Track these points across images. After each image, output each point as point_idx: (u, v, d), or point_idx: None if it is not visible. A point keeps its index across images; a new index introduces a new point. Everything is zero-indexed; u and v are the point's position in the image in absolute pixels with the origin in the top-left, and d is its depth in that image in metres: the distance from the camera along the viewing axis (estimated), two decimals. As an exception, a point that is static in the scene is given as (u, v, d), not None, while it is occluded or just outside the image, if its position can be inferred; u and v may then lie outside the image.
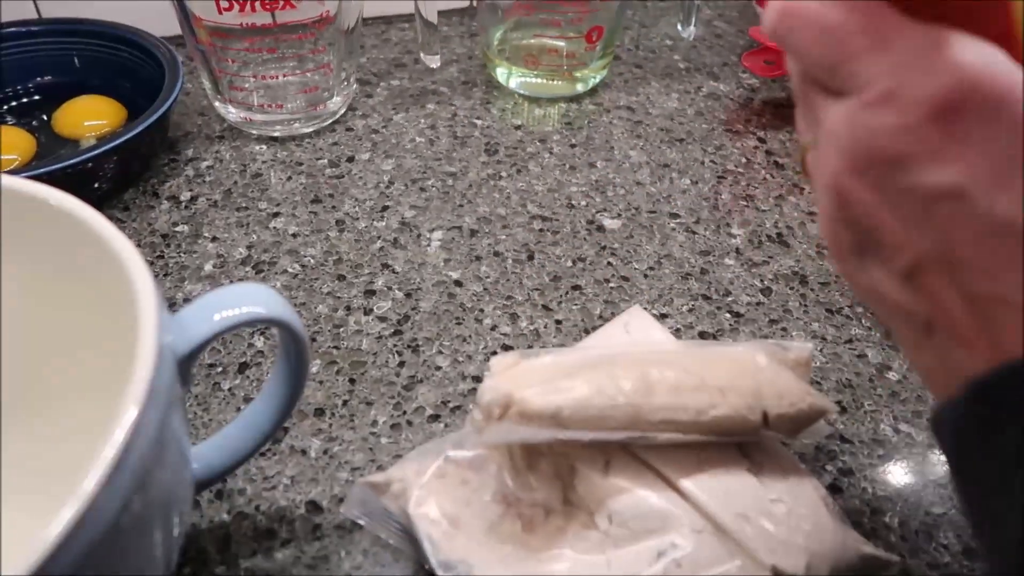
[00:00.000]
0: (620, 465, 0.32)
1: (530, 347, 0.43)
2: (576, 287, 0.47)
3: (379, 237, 0.50)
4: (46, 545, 0.19)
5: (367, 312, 0.45)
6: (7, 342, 0.32)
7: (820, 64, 0.21)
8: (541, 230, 0.51)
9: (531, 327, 0.44)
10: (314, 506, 0.36)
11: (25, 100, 0.57)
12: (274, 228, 0.50)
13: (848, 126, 0.21)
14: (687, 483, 0.32)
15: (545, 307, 0.45)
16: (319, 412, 0.39)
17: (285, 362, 0.30)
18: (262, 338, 0.43)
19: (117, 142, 0.47)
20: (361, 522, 0.34)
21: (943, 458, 0.39)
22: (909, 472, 0.38)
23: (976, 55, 0.19)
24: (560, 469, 0.33)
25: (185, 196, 0.52)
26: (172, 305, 0.44)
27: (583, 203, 0.53)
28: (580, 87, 0.63)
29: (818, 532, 0.31)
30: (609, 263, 0.48)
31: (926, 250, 0.20)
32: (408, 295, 0.46)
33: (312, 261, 0.48)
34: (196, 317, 0.27)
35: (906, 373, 0.43)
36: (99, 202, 0.50)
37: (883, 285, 0.22)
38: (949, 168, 0.19)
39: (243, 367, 0.41)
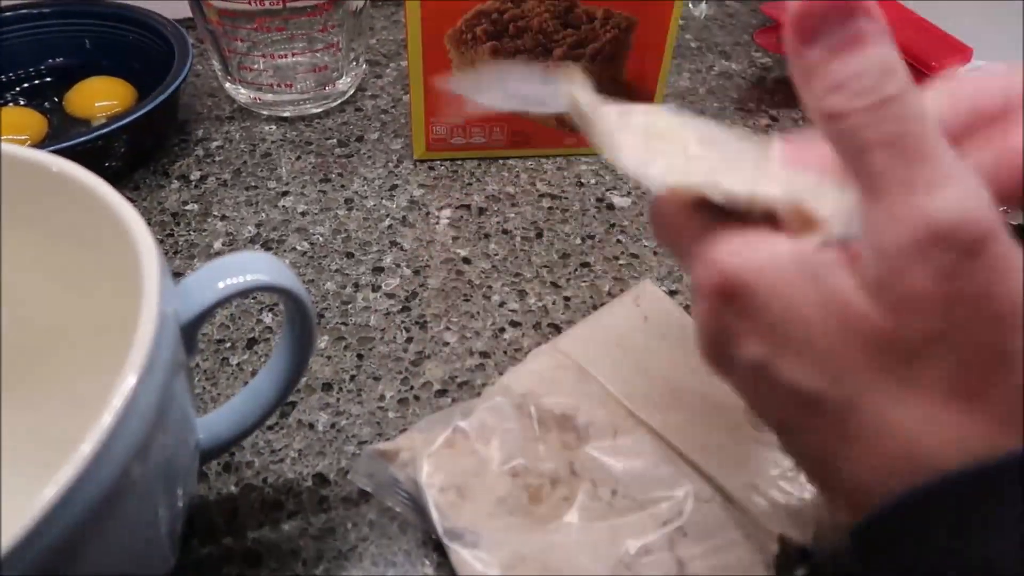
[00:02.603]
0: (627, 434, 0.32)
1: (537, 324, 0.43)
2: (585, 264, 0.46)
3: (388, 215, 0.50)
4: (41, 507, 0.19)
5: (375, 289, 0.45)
6: (12, 312, 0.32)
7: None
8: (550, 208, 0.50)
9: (539, 303, 0.44)
10: (321, 479, 0.36)
11: (37, 81, 0.58)
12: (283, 207, 0.50)
13: (694, 311, 0.23)
14: (695, 454, 0.31)
15: (554, 284, 0.45)
16: (327, 387, 0.39)
17: (290, 331, 0.30)
18: (270, 314, 0.43)
19: (126, 120, 0.47)
20: (368, 489, 0.34)
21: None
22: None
23: (727, 252, 0.21)
24: (567, 439, 0.33)
25: (195, 175, 0.52)
26: (181, 282, 0.45)
27: (592, 181, 0.52)
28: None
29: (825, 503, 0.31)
30: (619, 240, 0.48)
31: (771, 413, 0.23)
32: (416, 272, 0.46)
33: (321, 239, 0.48)
34: (200, 285, 0.27)
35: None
36: (109, 181, 0.50)
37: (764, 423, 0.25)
38: (748, 346, 0.21)
39: (251, 342, 0.41)
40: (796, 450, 0.23)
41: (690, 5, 0.65)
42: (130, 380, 0.22)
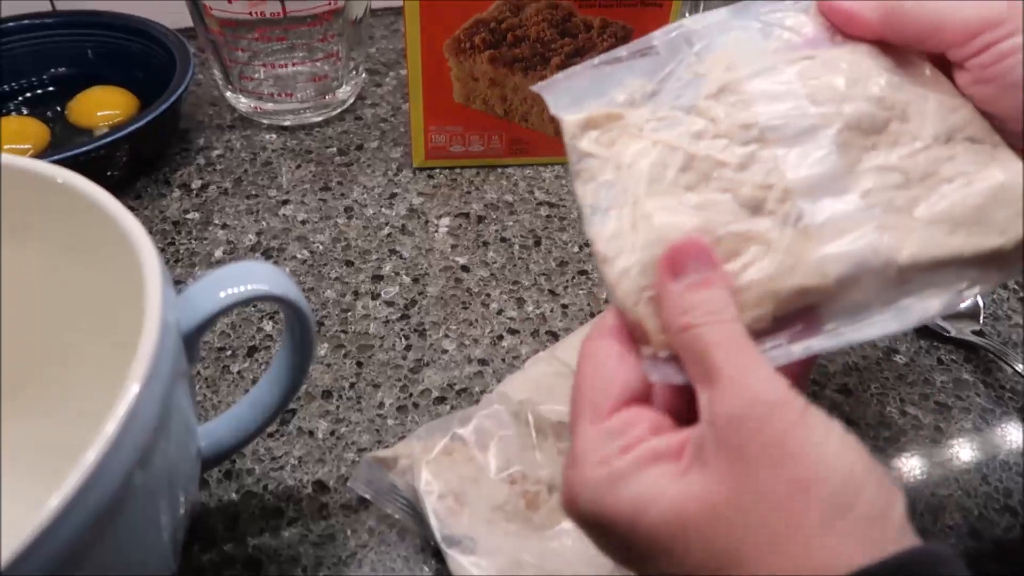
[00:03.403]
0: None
1: (535, 332, 0.43)
2: (583, 272, 0.47)
3: (387, 224, 0.50)
4: (46, 515, 0.20)
5: (375, 297, 0.45)
6: (17, 320, 0.32)
7: None
8: (548, 216, 0.51)
9: (537, 311, 0.44)
10: (321, 486, 0.36)
11: (40, 91, 0.58)
12: (283, 215, 0.50)
13: None
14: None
15: (551, 292, 0.46)
16: (326, 394, 0.40)
17: (290, 340, 0.31)
18: (270, 322, 0.43)
19: (128, 130, 0.48)
20: (367, 496, 0.34)
21: (950, 440, 0.39)
22: (915, 454, 0.38)
23: (577, 488, 0.23)
24: (564, 446, 0.33)
25: (196, 184, 0.53)
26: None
27: (590, 189, 0.53)
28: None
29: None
30: (616, 248, 0.48)
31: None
32: (415, 280, 0.46)
33: (321, 247, 0.48)
34: (201, 294, 0.27)
35: (913, 356, 0.43)
36: (111, 190, 0.50)
37: None
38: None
39: (252, 350, 0.42)
40: None
41: (686, 14, 0.65)
42: (133, 389, 0.22)
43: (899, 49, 0.27)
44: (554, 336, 0.43)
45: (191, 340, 0.27)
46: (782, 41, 0.28)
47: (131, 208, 0.50)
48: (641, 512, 0.22)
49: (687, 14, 0.68)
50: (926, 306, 0.25)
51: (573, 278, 0.46)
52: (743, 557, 0.21)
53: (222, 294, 0.27)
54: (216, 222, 0.50)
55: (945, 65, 0.27)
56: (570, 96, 0.28)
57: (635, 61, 0.28)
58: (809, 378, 0.31)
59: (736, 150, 0.26)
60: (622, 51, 0.28)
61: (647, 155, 0.26)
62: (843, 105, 0.26)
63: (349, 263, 0.47)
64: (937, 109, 0.26)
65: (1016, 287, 0.47)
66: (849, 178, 0.25)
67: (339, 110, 0.59)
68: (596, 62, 0.28)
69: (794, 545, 0.20)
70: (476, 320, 0.44)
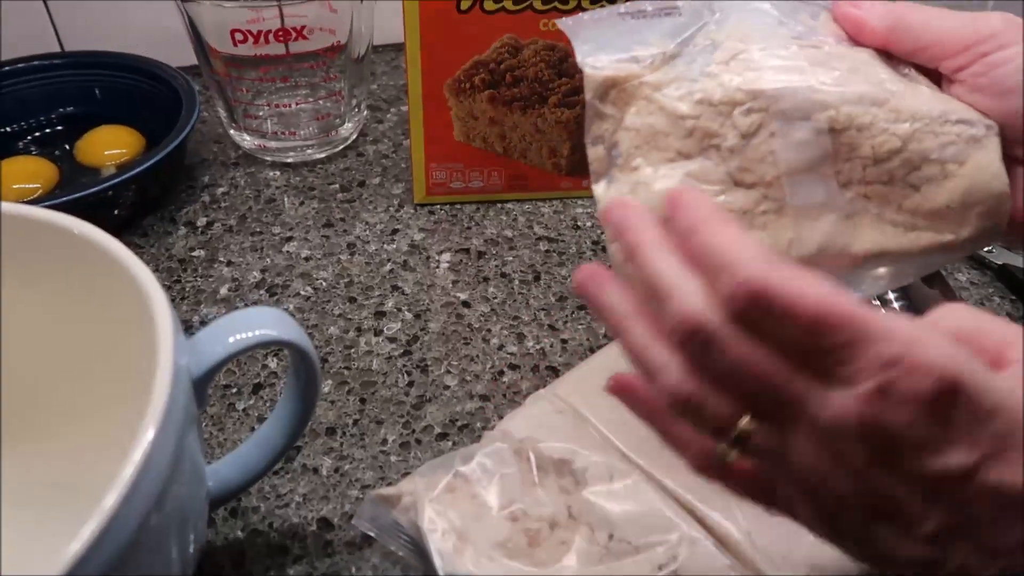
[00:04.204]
0: (623, 478, 0.33)
1: (536, 367, 0.44)
2: (582, 307, 0.48)
3: (389, 259, 0.51)
4: (68, 561, 0.20)
5: (377, 333, 0.46)
6: (29, 365, 0.33)
7: (801, 347, 0.22)
8: (547, 251, 0.52)
9: (537, 346, 0.45)
10: (326, 523, 0.37)
11: (48, 130, 0.59)
12: (287, 252, 0.51)
13: (857, 419, 0.21)
14: (690, 495, 0.32)
15: (551, 327, 0.46)
16: (330, 431, 0.40)
17: (296, 382, 0.32)
18: (275, 359, 0.44)
19: (135, 171, 0.49)
20: (371, 534, 0.35)
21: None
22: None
23: (944, 353, 0.21)
24: (565, 483, 0.34)
25: (201, 222, 0.54)
26: (188, 327, 0.46)
27: (588, 224, 0.54)
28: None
29: (820, 545, 0.32)
30: (614, 283, 0.49)
31: (947, 520, 0.22)
32: (417, 316, 0.47)
33: (324, 284, 0.49)
34: (211, 340, 0.28)
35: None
36: (118, 228, 0.52)
37: (901, 547, 0.23)
38: (955, 453, 0.21)
39: (257, 388, 0.43)
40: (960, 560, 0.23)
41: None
42: (148, 434, 0.23)
43: (900, 61, 0.30)
44: (554, 371, 0.44)
45: (201, 385, 0.28)
46: (795, 31, 0.30)
47: (137, 246, 0.52)
48: None
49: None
50: (876, 284, 0.29)
51: (572, 313, 0.47)
52: None
53: (231, 339, 0.28)
54: (221, 259, 0.51)
55: (940, 82, 0.30)
56: (594, 43, 0.29)
57: (659, 19, 0.30)
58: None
59: (739, 120, 0.27)
60: (647, 5, 0.30)
61: (655, 119, 0.28)
62: (844, 88, 0.27)
63: (352, 299, 0.48)
64: (930, 98, 0.28)
65: (1008, 317, 0.48)
66: (837, 162, 0.27)
67: (342, 147, 0.60)
68: (622, 10, 0.30)
69: None
70: (477, 355, 0.45)
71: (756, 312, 0.22)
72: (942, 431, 0.21)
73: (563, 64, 0.51)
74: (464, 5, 0.48)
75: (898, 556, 0.23)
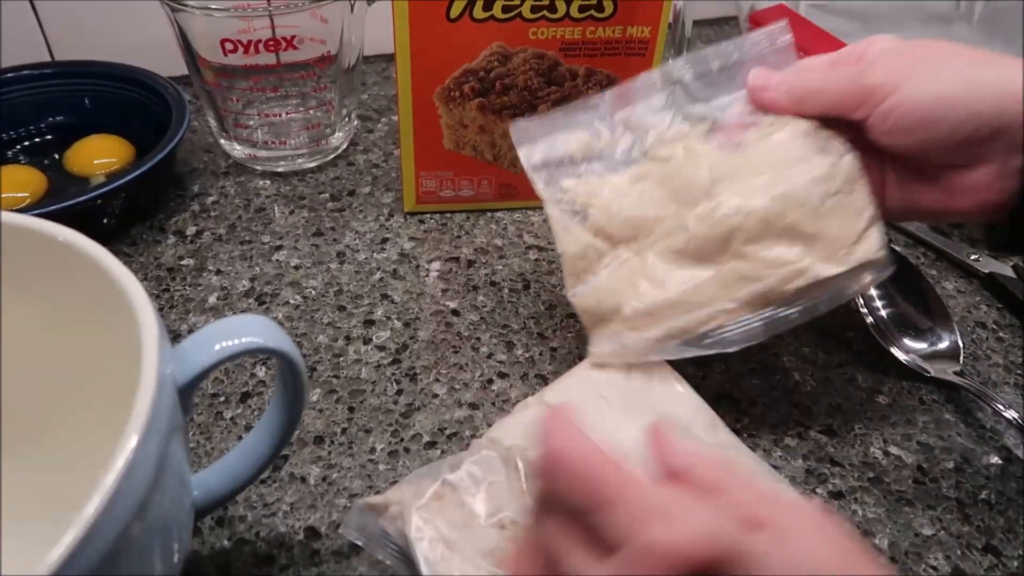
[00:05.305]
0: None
1: (525, 375, 0.44)
2: (571, 315, 0.48)
3: (379, 268, 0.51)
4: (48, 567, 0.20)
5: (366, 342, 0.46)
6: (13, 373, 0.33)
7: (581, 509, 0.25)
8: (537, 259, 0.52)
9: (526, 355, 0.45)
10: (313, 532, 0.36)
11: (38, 139, 0.59)
12: (277, 260, 0.51)
13: None
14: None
15: (540, 335, 0.46)
16: (318, 440, 0.40)
17: (283, 391, 0.32)
18: (264, 368, 0.44)
19: (124, 180, 0.49)
20: (358, 543, 0.35)
21: (932, 480, 0.39)
22: (898, 494, 0.39)
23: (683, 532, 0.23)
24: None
25: (191, 230, 0.54)
26: (177, 336, 0.46)
27: (578, 233, 0.54)
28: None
29: None
30: (603, 291, 0.49)
31: None
32: (407, 324, 0.47)
33: (313, 292, 0.49)
34: (196, 348, 0.28)
35: (895, 397, 0.43)
36: (107, 237, 0.52)
37: None
38: None
39: (245, 396, 0.42)
40: None
41: (669, 62, 0.67)
42: (131, 442, 0.23)
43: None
44: (543, 379, 0.44)
45: (186, 393, 0.28)
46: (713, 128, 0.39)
47: (126, 255, 0.51)
48: None
49: (669, 62, 0.70)
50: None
51: (562, 321, 0.47)
52: None
53: (217, 347, 0.28)
54: (210, 268, 0.51)
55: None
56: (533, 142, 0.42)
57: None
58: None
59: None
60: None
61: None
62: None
63: (341, 308, 0.48)
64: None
65: (995, 327, 0.48)
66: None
67: (332, 156, 0.60)
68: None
69: None
70: (466, 364, 0.45)
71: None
72: None
73: (552, 72, 0.51)
74: (453, 14, 0.48)
75: None
